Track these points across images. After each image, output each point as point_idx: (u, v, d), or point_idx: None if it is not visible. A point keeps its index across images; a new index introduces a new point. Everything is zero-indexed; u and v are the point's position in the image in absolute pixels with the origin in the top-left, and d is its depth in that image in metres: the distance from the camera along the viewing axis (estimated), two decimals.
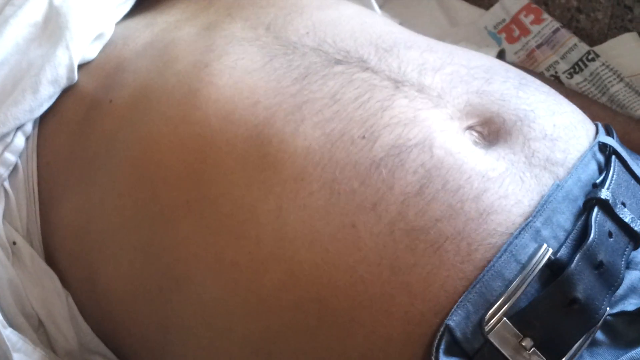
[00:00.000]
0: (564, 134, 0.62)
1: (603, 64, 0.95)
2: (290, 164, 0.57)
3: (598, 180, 0.60)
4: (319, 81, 0.62)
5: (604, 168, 0.62)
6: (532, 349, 0.53)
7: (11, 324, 0.65)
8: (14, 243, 0.67)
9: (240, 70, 0.64)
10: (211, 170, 0.59)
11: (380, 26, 0.71)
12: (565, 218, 0.57)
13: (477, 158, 0.58)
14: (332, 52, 0.65)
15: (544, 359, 0.53)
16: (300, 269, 0.55)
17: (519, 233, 0.55)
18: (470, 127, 0.61)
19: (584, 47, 0.98)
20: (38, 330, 0.67)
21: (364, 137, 0.58)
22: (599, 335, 0.55)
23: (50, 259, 0.68)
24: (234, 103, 0.61)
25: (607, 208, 0.57)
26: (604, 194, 0.57)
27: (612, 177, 0.60)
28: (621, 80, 0.94)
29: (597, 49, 0.97)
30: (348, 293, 0.54)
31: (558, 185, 0.58)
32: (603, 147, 0.63)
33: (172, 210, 0.60)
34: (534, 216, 0.56)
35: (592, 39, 1.00)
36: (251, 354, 0.57)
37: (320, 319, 0.54)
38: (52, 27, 0.71)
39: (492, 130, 0.61)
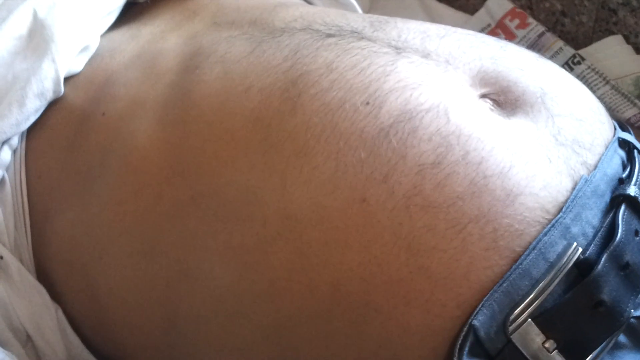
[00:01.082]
0: (590, 116, 0.59)
1: (589, 67, 0.96)
2: (291, 140, 0.54)
3: (624, 176, 0.57)
4: (311, 54, 0.59)
5: (627, 164, 0.59)
6: (555, 351, 0.50)
7: None
8: (1, 257, 0.66)
9: (229, 61, 0.62)
10: (213, 162, 0.58)
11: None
12: (593, 214, 0.54)
13: (499, 127, 0.54)
14: (323, 29, 0.62)
15: None
16: (309, 248, 0.52)
17: (549, 230, 0.51)
18: (484, 95, 0.57)
19: (569, 51, 0.98)
20: (26, 345, 0.66)
21: (367, 103, 0.54)
22: (621, 337, 0.53)
23: (43, 272, 0.68)
24: (227, 93, 0.59)
25: (634, 205, 0.55)
26: (633, 190, 0.55)
27: (639, 173, 0.58)
28: (607, 82, 0.94)
29: (582, 52, 0.98)
30: (362, 276, 0.50)
31: (587, 180, 0.54)
32: (622, 142, 0.61)
33: (178, 207, 0.58)
34: (564, 212, 0.52)
35: (578, 42, 1.01)
36: (263, 339, 0.55)
37: (333, 303, 0.51)
38: (37, 40, 0.71)
39: (509, 100, 0.57)
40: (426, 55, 0.58)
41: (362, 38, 0.60)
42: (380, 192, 0.51)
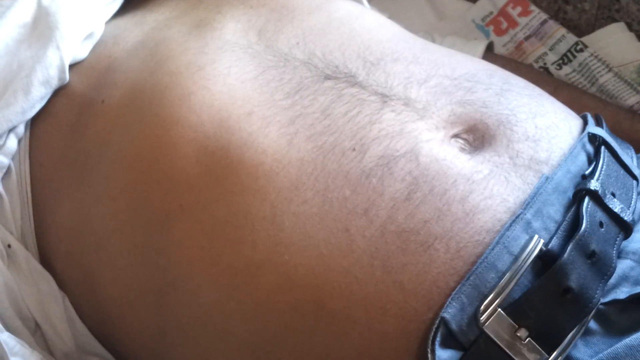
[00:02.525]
0: (546, 134, 0.63)
1: (591, 55, 0.96)
2: (285, 174, 0.59)
3: (587, 172, 0.61)
4: (310, 96, 0.64)
5: (593, 159, 0.63)
6: (528, 339, 0.54)
7: (8, 327, 0.64)
8: (9, 246, 0.66)
9: (234, 78, 0.65)
10: (205, 175, 0.60)
11: (369, 33, 0.71)
12: (555, 209, 0.58)
13: (462, 163, 0.59)
14: (322, 67, 0.66)
15: (539, 348, 0.54)
16: (296, 272, 0.56)
17: (510, 225, 0.56)
18: (455, 135, 0.63)
19: (572, 38, 0.98)
20: (35, 333, 0.67)
21: (354, 149, 0.60)
22: (592, 324, 0.56)
23: (46, 261, 0.68)
24: (229, 110, 0.62)
25: (597, 198, 0.58)
26: (594, 184, 0.58)
27: (602, 167, 0.61)
28: (610, 70, 0.94)
29: (585, 39, 0.98)
30: (343, 293, 0.55)
31: (547, 178, 0.59)
32: (593, 137, 0.64)
33: (166, 213, 0.60)
34: (524, 208, 0.57)
35: (580, 29, 1.01)
36: (250, 355, 0.58)
37: (317, 319, 0.55)
38: (41, 27, 0.71)
39: (477, 137, 0.63)
40: (407, 103, 0.64)
41: (355, 84, 0.65)
42: (361, 223, 0.57)
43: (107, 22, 0.76)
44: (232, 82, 0.64)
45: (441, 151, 0.60)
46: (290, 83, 0.65)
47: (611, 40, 0.96)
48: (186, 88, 0.64)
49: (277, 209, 0.58)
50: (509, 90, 0.67)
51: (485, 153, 0.61)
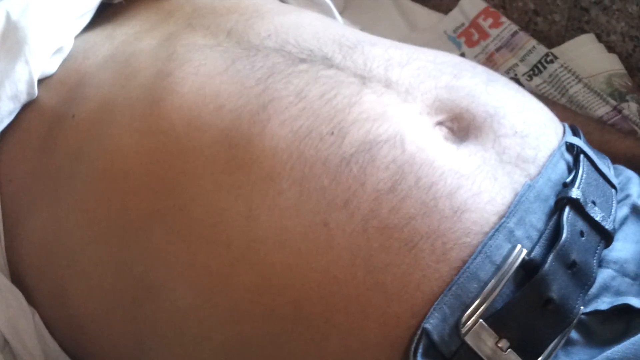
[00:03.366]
0: (534, 130, 0.62)
1: (562, 66, 0.97)
2: (259, 164, 0.56)
3: (568, 180, 0.60)
4: (283, 80, 0.61)
5: (572, 167, 0.62)
6: (509, 350, 0.53)
7: None
8: None
9: (203, 75, 0.63)
10: (179, 177, 0.58)
11: (342, 28, 0.71)
12: (537, 218, 0.57)
13: (450, 154, 0.57)
14: (296, 52, 0.64)
15: (520, 359, 0.53)
16: (273, 270, 0.54)
17: (493, 234, 0.55)
18: (439, 123, 0.60)
19: (542, 49, 0.99)
20: (3, 349, 0.66)
21: (332, 133, 0.57)
22: (574, 334, 0.55)
23: (17, 276, 0.67)
24: (198, 108, 0.61)
25: (578, 207, 0.57)
26: (575, 193, 0.58)
27: (582, 176, 0.60)
28: (580, 81, 0.95)
29: (555, 50, 0.99)
30: (322, 294, 0.53)
31: (529, 186, 0.58)
32: (570, 147, 0.64)
33: (143, 220, 0.59)
34: (507, 217, 0.55)
35: (550, 41, 1.02)
36: None
37: (295, 322, 0.54)
38: (10, 42, 0.70)
39: (461, 126, 0.60)
40: (388, 85, 0.61)
41: (332, 66, 0.62)
42: (341, 216, 0.54)
43: (77, 37, 0.76)
44: (201, 80, 0.63)
45: (427, 139, 0.57)
46: (262, 69, 0.62)
47: (581, 52, 0.97)
48: (155, 96, 0.63)
49: (253, 203, 0.55)
50: (495, 82, 0.65)
51: (471, 145, 0.59)
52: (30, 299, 0.67)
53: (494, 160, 0.58)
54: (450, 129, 0.60)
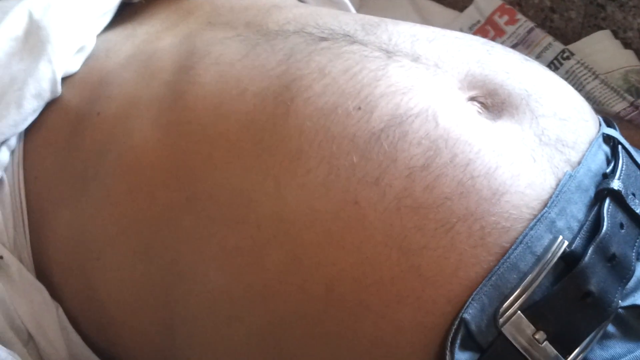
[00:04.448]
0: (574, 114, 0.60)
1: (578, 62, 0.97)
2: (285, 144, 0.55)
3: (608, 171, 0.58)
4: (304, 59, 0.60)
5: (611, 159, 0.61)
6: (545, 342, 0.51)
7: (0, 339, 0.64)
8: (1, 257, 0.66)
9: (223, 64, 0.63)
10: (207, 164, 0.58)
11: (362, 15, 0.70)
12: (578, 209, 0.55)
13: (486, 130, 0.55)
14: (316, 32, 0.63)
15: (556, 352, 0.52)
16: (303, 250, 0.53)
17: (535, 224, 0.53)
18: (472, 98, 0.58)
19: (558, 46, 0.99)
20: (28, 344, 0.67)
21: (359, 108, 0.55)
22: (610, 328, 0.54)
23: (42, 271, 0.68)
24: (221, 96, 0.60)
25: (619, 199, 0.56)
26: (616, 184, 0.56)
27: (622, 167, 0.59)
28: (596, 77, 0.95)
29: (571, 47, 0.99)
30: (354, 275, 0.51)
31: (571, 176, 0.56)
32: (607, 138, 0.62)
33: (172, 209, 0.59)
34: (549, 207, 0.54)
35: (567, 37, 1.02)
36: (258, 341, 0.55)
37: (327, 303, 0.52)
38: (33, 40, 0.71)
39: (496, 103, 0.58)
40: (416, 59, 0.59)
41: (354, 42, 0.61)
42: (372, 194, 0.52)
43: (99, 36, 0.76)
44: (222, 68, 0.62)
45: (461, 114, 0.55)
46: (282, 51, 0.61)
47: (597, 48, 0.97)
48: (179, 90, 0.63)
49: (281, 183, 0.54)
50: (530, 61, 0.63)
51: (507, 123, 0.56)
52: (55, 294, 0.68)
53: (532, 141, 0.56)
54: (484, 105, 0.58)
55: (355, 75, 0.57)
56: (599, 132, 0.62)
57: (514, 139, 0.56)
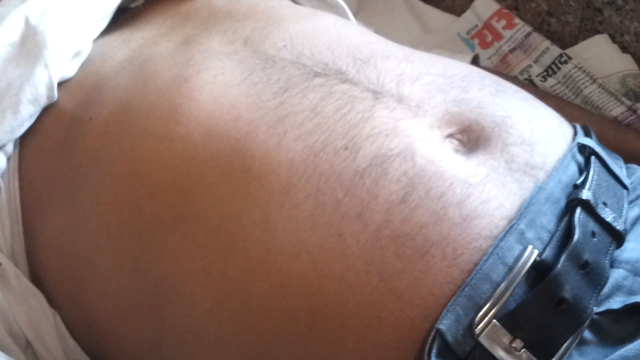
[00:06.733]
0: (542, 137, 0.63)
1: (575, 66, 0.97)
2: (275, 176, 0.58)
3: (579, 181, 0.61)
4: (299, 94, 0.62)
5: (584, 169, 0.63)
6: (523, 350, 0.53)
7: None
8: None
9: (220, 85, 0.64)
10: (196, 185, 0.59)
11: (357, 37, 0.71)
12: (548, 220, 0.58)
13: (459, 165, 0.59)
14: (311, 65, 0.66)
15: (534, 359, 0.54)
16: (289, 279, 0.55)
17: (504, 236, 0.55)
18: (450, 135, 0.62)
19: (556, 50, 0.99)
20: (26, 350, 0.67)
21: (346, 148, 0.58)
22: (587, 334, 0.56)
23: (36, 278, 0.68)
24: (216, 118, 0.61)
25: (589, 208, 0.58)
26: (585, 194, 0.58)
27: (593, 177, 0.61)
28: (594, 81, 0.95)
29: (569, 51, 0.99)
30: (337, 301, 0.54)
31: (540, 188, 0.59)
32: (582, 148, 0.64)
33: (158, 226, 0.60)
34: (518, 219, 0.56)
35: (564, 42, 1.02)
36: None
37: (311, 327, 0.55)
38: (29, 46, 0.71)
39: (471, 138, 0.62)
40: (400, 100, 0.63)
41: (345, 80, 0.64)
42: (355, 227, 0.55)
43: (95, 40, 0.76)
44: (218, 90, 0.64)
45: (437, 151, 0.59)
46: (278, 83, 0.64)
47: (595, 52, 0.97)
48: (172, 102, 0.63)
49: (269, 214, 0.57)
50: (503, 92, 0.66)
51: (480, 155, 0.60)
52: (50, 301, 0.67)
53: (502, 168, 0.59)
54: (461, 141, 0.62)
55: (344, 116, 0.60)
56: (572, 143, 0.64)
57: (485, 169, 0.59)
